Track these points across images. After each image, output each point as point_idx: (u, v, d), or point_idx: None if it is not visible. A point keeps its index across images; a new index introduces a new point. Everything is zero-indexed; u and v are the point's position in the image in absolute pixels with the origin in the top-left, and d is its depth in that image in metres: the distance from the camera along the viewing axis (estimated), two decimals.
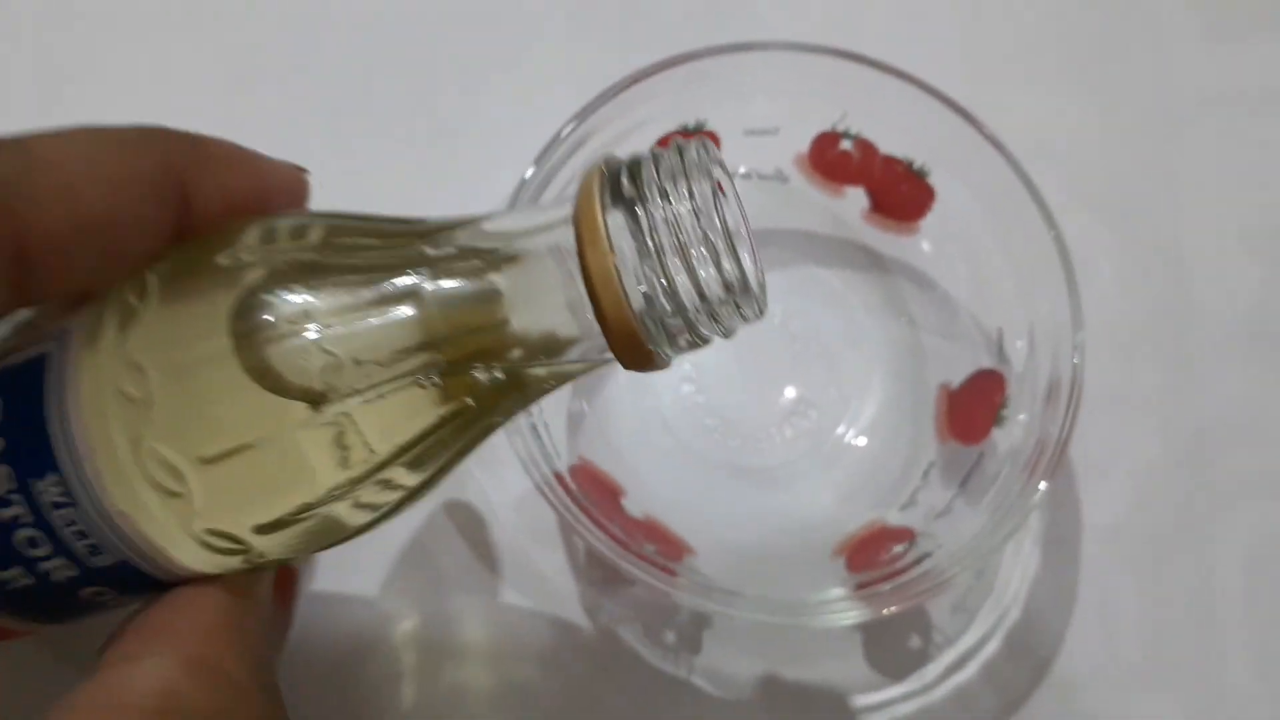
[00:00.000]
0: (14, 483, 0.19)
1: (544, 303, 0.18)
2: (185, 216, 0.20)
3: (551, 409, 0.33)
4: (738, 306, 0.18)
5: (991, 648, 0.35)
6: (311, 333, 0.18)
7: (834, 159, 0.35)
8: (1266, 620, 0.35)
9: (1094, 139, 0.40)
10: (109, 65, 0.39)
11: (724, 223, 0.18)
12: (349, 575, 0.34)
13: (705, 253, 0.17)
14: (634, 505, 0.33)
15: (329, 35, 0.39)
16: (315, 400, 0.18)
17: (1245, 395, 0.37)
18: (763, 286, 0.19)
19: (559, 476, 0.30)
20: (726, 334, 0.19)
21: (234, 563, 0.20)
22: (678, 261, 0.17)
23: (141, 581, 0.20)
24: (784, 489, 0.35)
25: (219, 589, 0.20)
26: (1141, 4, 0.41)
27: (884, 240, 0.36)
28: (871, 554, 0.32)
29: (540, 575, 0.34)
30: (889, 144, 0.34)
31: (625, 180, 0.18)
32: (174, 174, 0.19)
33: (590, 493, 0.31)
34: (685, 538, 0.33)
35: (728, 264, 0.18)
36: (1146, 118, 0.40)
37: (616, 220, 0.17)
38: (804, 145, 0.35)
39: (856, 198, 0.36)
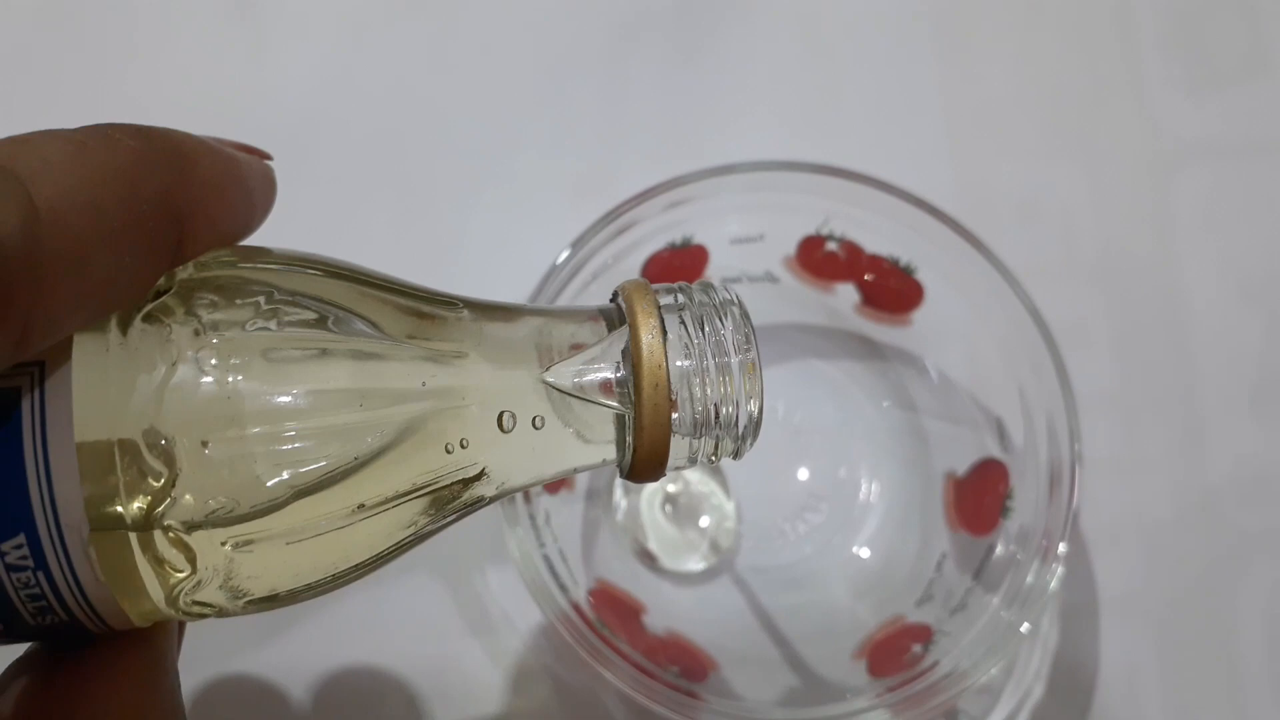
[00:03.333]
0: None
1: (578, 418, 0.19)
2: (174, 258, 0.18)
3: (565, 527, 0.34)
4: (740, 439, 0.19)
5: None
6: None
7: (821, 259, 0.35)
8: None
9: (1083, 200, 0.40)
10: None
11: (757, 362, 0.19)
12: (375, 707, 0.35)
13: (742, 391, 0.19)
14: (656, 621, 0.34)
15: (321, 154, 0.40)
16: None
17: (1253, 450, 0.37)
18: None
19: (576, 607, 0.31)
20: (715, 459, 0.20)
21: (186, 619, 0.19)
22: (714, 398, 0.19)
23: (75, 638, 0.18)
24: (802, 587, 0.36)
25: (149, 649, 0.19)
26: (1119, 61, 0.41)
27: (879, 330, 0.37)
28: (892, 655, 0.32)
29: (573, 694, 0.35)
30: (874, 244, 0.34)
31: (673, 319, 0.19)
32: (173, 214, 0.17)
33: (610, 618, 0.32)
34: (708, 650, 0.33)
35: (754, 405, 0.19)
36: (1133, 174, 0.40)
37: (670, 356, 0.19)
38: (790, 249, 0.35)
39: (848, 293, 0.36)
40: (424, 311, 0.19)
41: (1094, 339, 0.38)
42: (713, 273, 0.36)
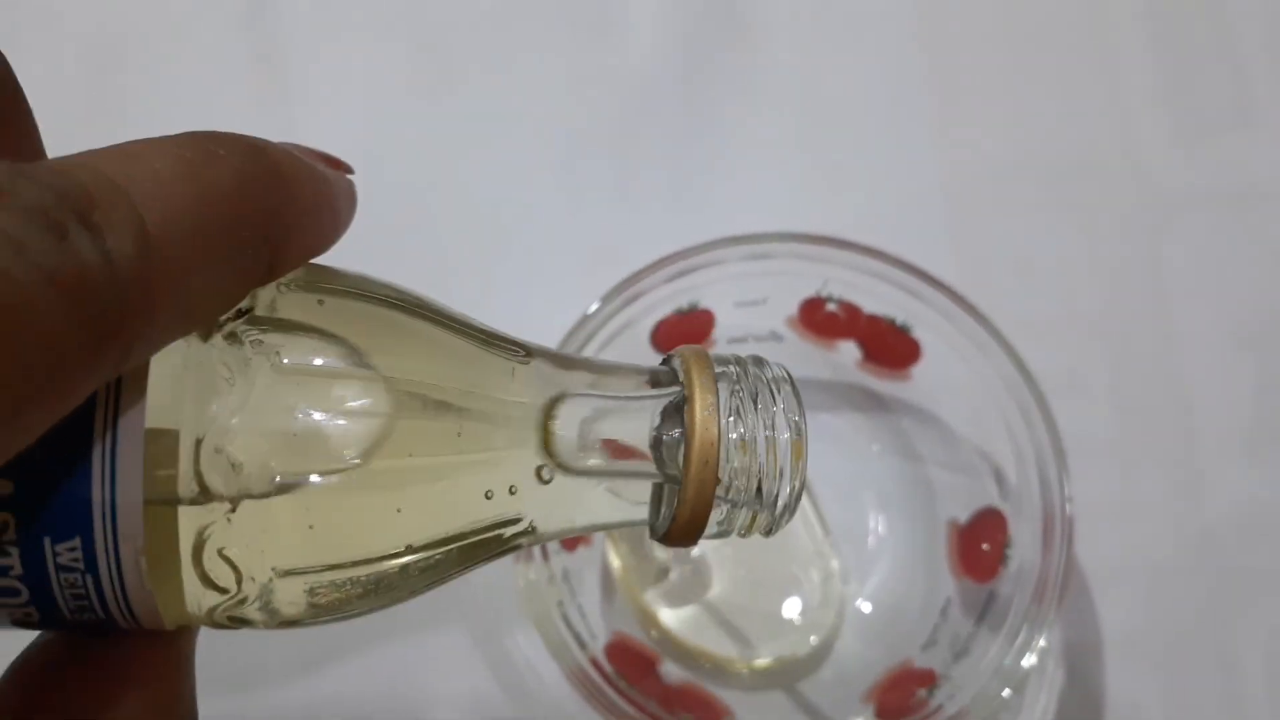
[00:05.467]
0: (15, 536, 0.16)
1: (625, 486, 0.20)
2: (264, 279, 0.18)
3: (583, 583, 0.36)
4: (777, 517, 0.20)
5: None
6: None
7: (822, 319, 0.37)
8: None
9: (1078, 253, 0.41)
10: None
11: (805, 442, 0.20)
12: None
13: (784, 471, 0.19)
14: (671, 671, 0.36)
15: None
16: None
17: (1251, 493, 0.38)
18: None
19: (594, 662, 0.33)
20: (746, 534, 0.20)
21: (213, 627, 0.19)
22: (758, 474, 0.19)
23: (104, 632, 0.18)
24: (813, 634, 0.37)
25: (175, 646, 0.19)
26: (1109, 116, 0.43)
27: (881, 385, 0.38)
28: (899, 699, 0.34)
29: None
30: (871, 305, 0.36)
31: (726, 390, 0.19)
32: (269, 237, 0.17)
33: (626, 671, 0.34)
34: (722, 698, 0.35)
35: (795, 484, 0.19)
36: (1127, 227, 0.42)
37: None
38: (792, 309, 0.37)
39: (849, 349, 0.38)
40: (488, 355, 0.20)
41: (1092, 386, 0.40)
42: (719, 335, 0.38)
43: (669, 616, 0.37)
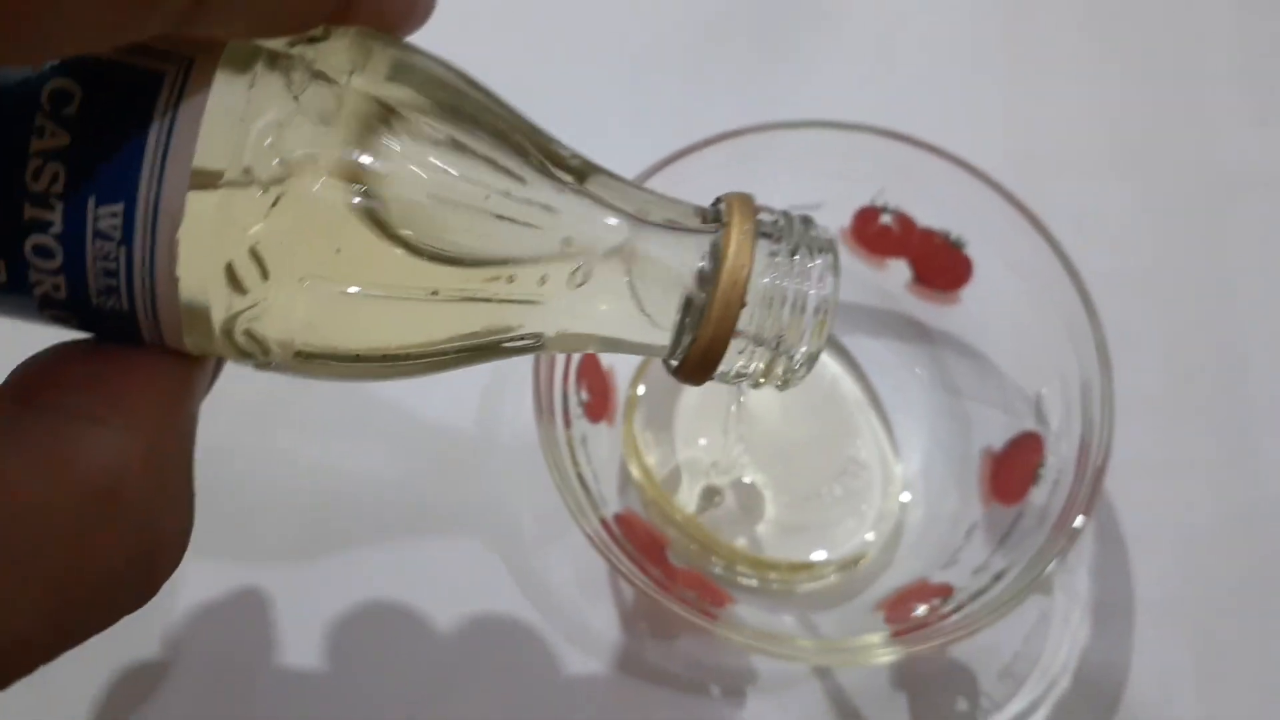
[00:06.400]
0: (64, 189, 0.17)
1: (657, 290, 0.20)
2: (337, 14, 0.18)
3: (600, 456, 0.35)
4: (794, 369, 0.20)
5: (1040, 716, 0.35)
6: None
7: (875, 232, 0.36)
8: None
9: (1140, 219, 0.41)
10: None
11: (833, 301, 0.20)
12: (405, 624, 0.36)
13: (809, 324, 0.19)
14: (679, 558, 0.35)
15: None
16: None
17: None
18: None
19: (604, 523, 0.32)
20: (762, 383, 0.20)
21: (230, 355, 0.19)
22: (783, 319, 0.19)
23: (118, 334, 0.18)
24: (832, 548, 0.36)
25: (185, 370, 0.19)
26: (1187, 88, 0.42)
27: (928, 311, 0.38)
28: (910, 609, 0.33)
29: (588, 625, 0.35)
30: (926, 217, 0.35)
31: (769, 239, 0.20)
32: None
33: (634, 541, 0.33)
34: (726, 589, 0.34)
35: (818, 338, 0.20)
36: (1193, 199, 0.41)
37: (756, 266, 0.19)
38: (846, 220, 0.37)
39: (899, 270, 0.37)
40: (549, 148, 0.20)
41: (1144, 348, 0.39)
42: None
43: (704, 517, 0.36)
